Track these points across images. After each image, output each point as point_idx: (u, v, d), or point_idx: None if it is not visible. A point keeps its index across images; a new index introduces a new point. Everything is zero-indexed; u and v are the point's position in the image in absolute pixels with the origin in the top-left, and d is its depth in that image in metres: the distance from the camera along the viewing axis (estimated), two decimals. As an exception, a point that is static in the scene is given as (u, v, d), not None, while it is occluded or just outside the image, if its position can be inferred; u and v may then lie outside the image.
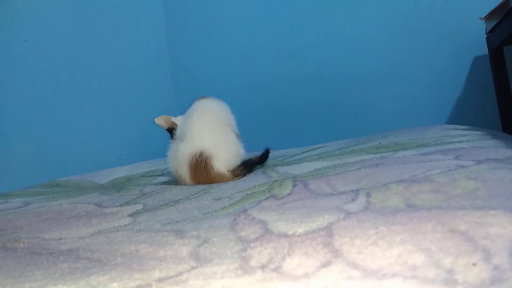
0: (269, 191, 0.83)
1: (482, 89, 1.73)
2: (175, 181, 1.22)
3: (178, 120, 1.27)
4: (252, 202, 0.76)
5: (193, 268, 0.48)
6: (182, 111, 1.29)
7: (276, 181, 0.92)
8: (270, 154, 1.34)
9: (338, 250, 0.47)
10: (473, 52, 1.75)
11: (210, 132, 1.15)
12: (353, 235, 0.50)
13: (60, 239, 0.70)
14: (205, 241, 0.57)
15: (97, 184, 1.51)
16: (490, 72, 1.63)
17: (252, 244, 0.53)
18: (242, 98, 2.22)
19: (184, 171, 1.14)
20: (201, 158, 1.11)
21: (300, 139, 1.94)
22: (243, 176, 1.15)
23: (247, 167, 1.19)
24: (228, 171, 1.15)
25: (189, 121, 1.17)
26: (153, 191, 1.09)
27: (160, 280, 0.46)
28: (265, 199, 0.77)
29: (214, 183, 1.12)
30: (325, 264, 0.45)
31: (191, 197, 0.94)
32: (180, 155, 1.15)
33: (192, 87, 2.39)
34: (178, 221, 0.72)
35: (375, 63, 1.96)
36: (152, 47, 2.45)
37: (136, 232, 0.68)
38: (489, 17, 1.48)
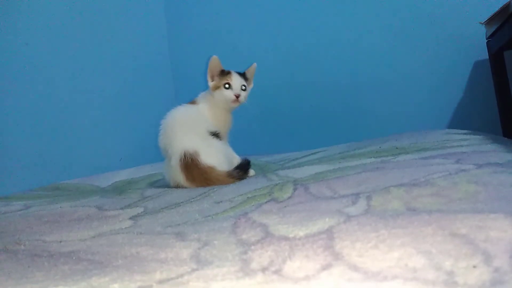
0: (270, 195, 0.83)
1: (483, 94, 1.74)
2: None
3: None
4: (253, 205, 0.76)
5: (194, 270, 0.48)
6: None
7: (276, 184, 0.92)
8: (270, 158, 1.35)
9: (338, 253, 0.47)
10: (474, 57, 1.75)
11: (186, 135, 1.20)
12: (354, 238, 0.50)
13: (61, 242, 0.70)
14: (206, 244, 0.57)
15: (98, 187, 1.51)
16: (490, 76, 1.63)
17: (253, 247, 0.53)
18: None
19: (179, 177, 1.18)
20: (187, 157, 1.16)
21: (301, 143, 1.94)
22: (240, 179, 1.16)
23: (242, 169, 1.21)
24: (223, 172, 1.17)
25: (165, 136, 1.23)
26: (154, 194, 1.10)
27: (161, 281, 0.46)
28: (266, 202, 0.77)
29: (208, 178, 1.15)
30: (326, 267, 0.45)
31: (192, 200, 0.94)
32: (172, 165, 1.19)
33: (193, 91, 2.39)
34: (179, 224, 0.72)
35: (376, 68, 1.96)
36: (153, 52, 2.46)
37: (137, 234, 0.68)
38: (489, 22, 1.49)
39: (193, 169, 1.16)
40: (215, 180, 1.15)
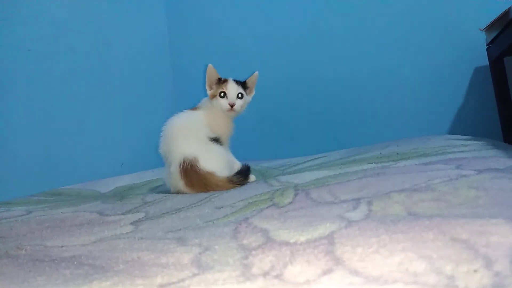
0: (271, 200, 0.83)
1: (483, 100, 1.74)
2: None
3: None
4: (254, 211, 0.76)
5: (195, 275, 0.48)
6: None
7: (277, 190, 0.92)
8: (271, 164, 1.35)
9: (339, 258, 0.47)
10: (474, 63, 1.76)
11: (186, 141, 1.20)
12: (355, 244, 0.50)
13: (62, 247, 0.70)
14: (207, 249, 0.57)
15: (99, 193, 1.51)
16: (490, 82, 1.64)
17: (253, 252, 0.53)
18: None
19: (179, 183, 1.18)
20: (186, 163, 1.16)
21: (302, 149, 1.95)
22: (240, 185, 1.17)
23: (243, 174, 1.21)
24: (223, 178, 1.17)
25: (165, 143, 1.24)
26: (155, 200, 1.10)
27: (162, 286, 0.46)
28: (267, 207, 0.77)
29: (207, 184, 1.15)
30: (327, 272, 0.45)
31: (193, 205, 0.94)
32: (172, 172, 1.20)
33: (194, 97, 2.40)
34: (180, 229, 0.72)
35: (377, 74, 1.97)
36: (154, 57, 2.48)
37: (138, 239, 0.68)
38: (489, 28, 1.50)
39: (193, 175, 1.16)
40: (214, 186, 1.15)
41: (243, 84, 1.31)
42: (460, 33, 1.79)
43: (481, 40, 1.63)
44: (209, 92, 1.31)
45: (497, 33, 1.44)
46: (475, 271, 0.40)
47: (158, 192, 1.29)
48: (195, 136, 1.22)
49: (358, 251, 0.48)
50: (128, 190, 1.50)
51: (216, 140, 1.24)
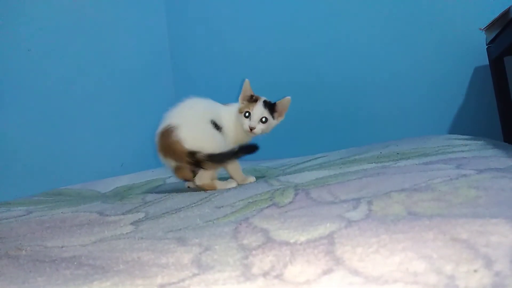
0: (271, 199, 0.83)
1: (483, 99, 1.74)
2: (176, 190, 1.23)
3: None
4: (254, 210, 0.76)
5: (195, 275, 0.48)
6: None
7: (278, 189, 0.92)
8: (271, 164, 1.34)
9: (339, 258, 0.47)
10: (474, 63, 1.76)
11: (182, 115, 1.21)
12: (355, 244, 0.50)
13: (62, 247, 0.70)
14: (207, 249, 0.57)
15: (99, 193, 1.51)
16: (490, 82, 1.64)
17: (254, 252, 0.53)
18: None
19: (156, 147, 1.20)
20: (167, 131, 1.17)
21: (302, 149, 1.94)
22: (199, 165, 1.15)
23: (217, 158, 1.16)
24: (184, 149, 1.13)
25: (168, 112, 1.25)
26: (155, 200, 1.10)
27: (162, 286, 0.46)
28: (267, 207, 0.77)
29: (170, 150, 1.15)
30: (327, 272, 0.45)
31: (193, 205, 0.94)
32: (155, 136, 1.22)
33: (194, 96, 2.41)
34: (180, 229, 0.72)
35: (377, 73, 1.97)
36: (154, 57, 2.47)
37: (138, 239, 0.68)
38: (489, 27, 1.50)
39: (164, 139, 1.17)
40: (172, 153, 1.15)
41: (271, 106, 1.27)
42: (460, 32, 1.78)
43: (481, 40, 1.63)
44: (240, 105, 1.28)
45: (497, 32, 1.44)
46: (475, 271, 0.40)
47: (158, 192, 1.29)
48: (196, 115, 1.21)
49: (358, 251, 0.48)
50: (128, 190, 1.50)
51: (216, 126, 1.22)
